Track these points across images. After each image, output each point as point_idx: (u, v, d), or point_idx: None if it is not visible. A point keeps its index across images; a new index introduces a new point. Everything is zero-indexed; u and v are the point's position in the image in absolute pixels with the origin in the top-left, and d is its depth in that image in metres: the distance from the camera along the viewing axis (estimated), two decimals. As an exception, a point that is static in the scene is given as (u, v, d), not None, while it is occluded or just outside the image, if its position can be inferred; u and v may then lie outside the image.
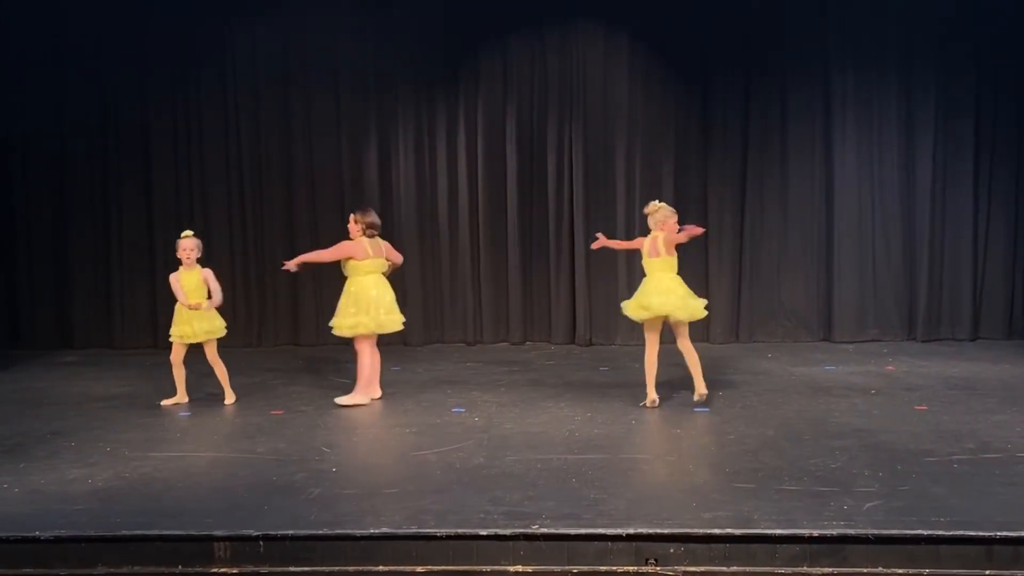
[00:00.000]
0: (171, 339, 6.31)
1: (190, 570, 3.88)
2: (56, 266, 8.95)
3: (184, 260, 6.24)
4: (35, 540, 3.91)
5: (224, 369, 6.40)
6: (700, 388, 6.01)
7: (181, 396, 6.40)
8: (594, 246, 6.50)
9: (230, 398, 6.41)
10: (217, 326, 6.34)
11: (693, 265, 8.77)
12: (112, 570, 3.89)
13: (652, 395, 6.01)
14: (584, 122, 8.65)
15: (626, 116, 8.67)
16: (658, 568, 3.78)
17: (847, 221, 8.66)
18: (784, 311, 8.78)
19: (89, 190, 8.90)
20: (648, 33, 8.60)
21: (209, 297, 6.29)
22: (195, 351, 6.38)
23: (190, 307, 6.20)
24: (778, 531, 3.79)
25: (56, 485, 4.59)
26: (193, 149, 8.89)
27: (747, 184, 8.70)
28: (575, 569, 3.81)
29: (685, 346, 6.00)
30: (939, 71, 8.51)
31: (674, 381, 6.93)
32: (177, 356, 6.32)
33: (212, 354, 6.35)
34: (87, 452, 5.20)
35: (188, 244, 6.25)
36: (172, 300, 6.32)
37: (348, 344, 8.85)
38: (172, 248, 6.48)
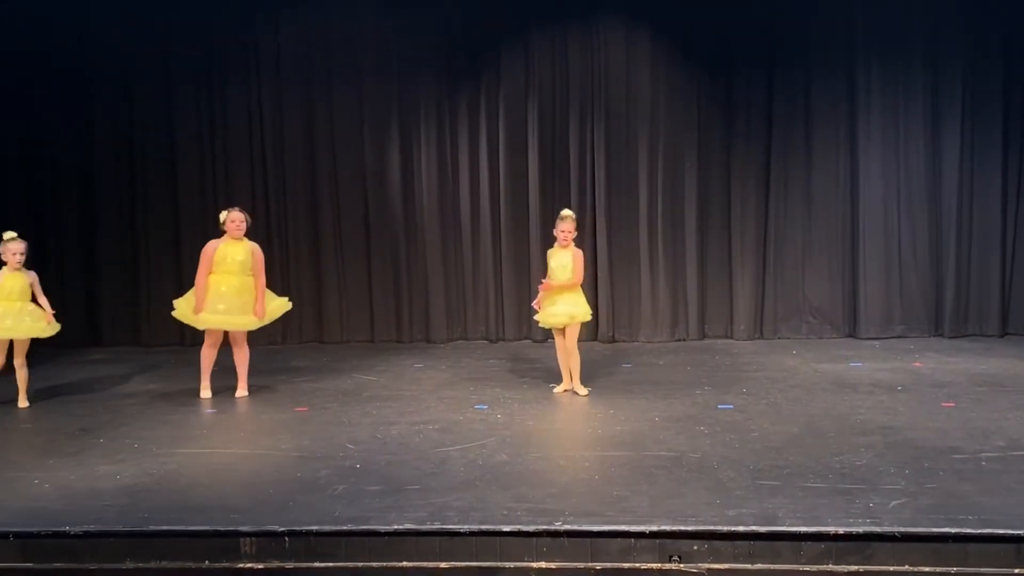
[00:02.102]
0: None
1: (217, 565, 3.92)
2: (84, 265, 9.07)
3: (12, 263, 6.11)
4: (65, 535, 3.97)
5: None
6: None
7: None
8: (535, 304, 6.46)
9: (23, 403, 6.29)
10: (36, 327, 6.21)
11: (716, 261, 8.75)
12: (140, 565, 3.94)
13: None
14: (606, 116, 8.63)
15: (648, 110, 8.64)
16: (681, 565, 3.77)
17: (872, 215, 8.58)
18: (809, 307, 8.71)
19: (116, 191, 9.01)
20: (671, 26, 8.56)
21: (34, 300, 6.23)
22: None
23: None
24: (803, 528, 3.76)
25: (85, 481, 4.65)
26: (217, 145, 8.97)
27: (771, 178, 8.64)
28: (598, 566, 3.81)
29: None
30: (967, 62, 8.40)
31: (696, 380, 6.90)
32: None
33: (22, 359, 6.25)
34: (115, 449, 5.27)
35: (17, 247, 6.13)
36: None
37: (372, 341, 8.97)
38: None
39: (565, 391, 6.39)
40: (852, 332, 8.65)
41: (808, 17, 8.50)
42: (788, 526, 3.78)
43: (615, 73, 8.63)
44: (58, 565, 3.95)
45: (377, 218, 8.93)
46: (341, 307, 9.02)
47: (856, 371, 7.04)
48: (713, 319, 8.79)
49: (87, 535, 3.95)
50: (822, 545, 3.72)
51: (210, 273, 6.33)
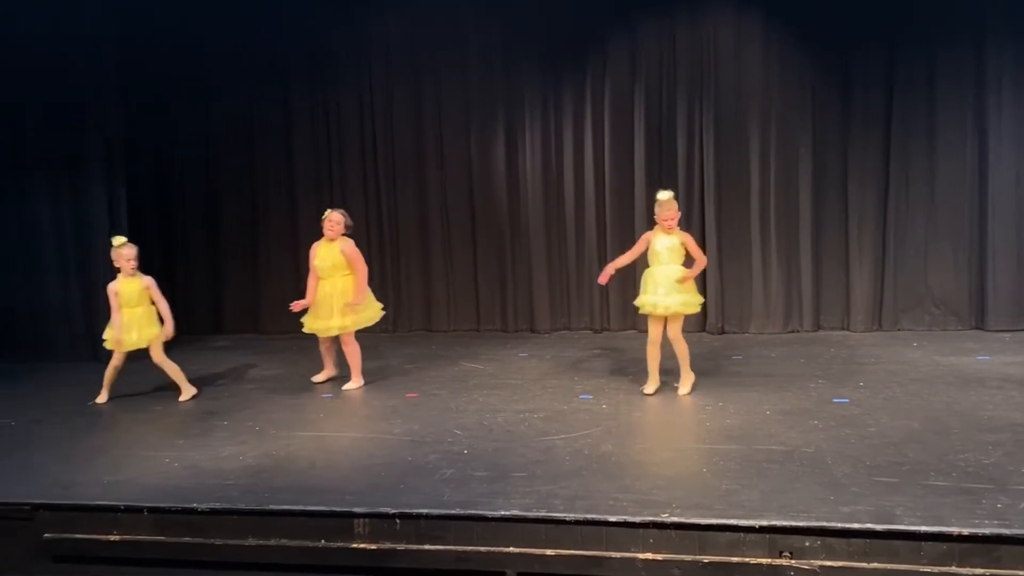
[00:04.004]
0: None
1: (332, 545, 4.08)
2: (209, 259, 9.55)
3: (126, 269, 6.24)
4: (193, 511, 4.21)
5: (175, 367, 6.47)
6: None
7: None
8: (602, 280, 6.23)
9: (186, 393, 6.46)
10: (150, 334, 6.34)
11: (832, 249, 8.44)
12: (261, 542, 4.14)
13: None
14: (715, 102, 8.42)
15: (759, 94, 8.38)
16: (793, 562, 3.68)
17: (1002, 199, 8.07)
18: (932, 297, 8.29)
19: (237, 189, 9.41)
20: (783, 6, 8.28)
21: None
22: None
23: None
24: (923, 528, 3.61)
25: (211, 461, 4.92)
26: (332, 143, 9.25)
27: (891, 162, 8.25)
28: (706, 559, 3.76)
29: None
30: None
31: (810, 373, 6.70)
32: None
33: (159, 356, 6.39)
34: (238, 431, 5.55)
35: (129, 252, 6.26)
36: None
37: (478, 330, 9.10)
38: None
39: (657, 391, 6.07)
40: (979, 324, 8.18)
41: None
42: (907, 525, 3.64)
43: (724, 57, 8.41)
44: (187, 539, 4.20)
45: (483, 209, 9.03)
46: (448, 297, 9.19)
47: (983, 365, 6.67)
48: (828, 310, 8.49)
49: (213, 512, 4.19)
50: (944, 546, 3.57)
51: (312, 274, 6.53)
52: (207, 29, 9.10)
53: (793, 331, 8.43)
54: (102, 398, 6.47)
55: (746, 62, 8.38)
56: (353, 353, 6.64)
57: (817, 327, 8.46)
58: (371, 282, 9.12)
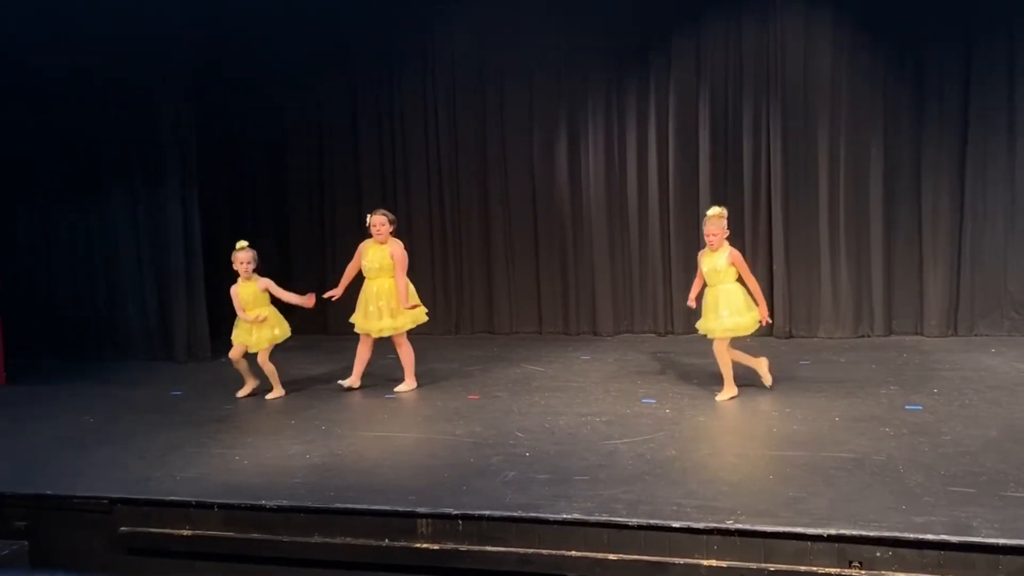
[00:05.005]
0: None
1: (395, 544, 4.13)
2: (278, 263, 9.76)
3: (242, 272, 6.41)
4: (262, 508, 4.31)
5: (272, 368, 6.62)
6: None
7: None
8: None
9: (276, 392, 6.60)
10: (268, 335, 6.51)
11: (904, 252, 8.20)
12: (327, 540, 4.22)
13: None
14: (783, 101, 8.26)
15: (829, 93, 8.18)
16: (863, 572, 3.59)
17: (1090, 200, 7.73)
18: (1011, 301, 7.98)
19: (307, 195, 9.61)
20: (853, 3, 8.07)
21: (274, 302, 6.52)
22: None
23: (250, 320, 6.40)
24: (1002, 541, 3.48)
25: (279, 459, 5.03)
26: (397, 148, 9.37)
27: (967, 160, 7.97)
28: (772, 567, 3.69)
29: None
30: None
31: (881, 378, 6.52)
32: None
33: (263, 357, 6.54)
34: (305, 430, 5.66)
35: (244, 256, 6.42)
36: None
37: (540, 333, 9.10)
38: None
39: (732, 398, 5.96)
40: (1064, 330, 7.86)
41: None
42: (984, 537, 3.51)
43: (792, 56, 8.24)
44: (255, 535, 4.30)
45: (545, 211, 9.03)
46: (510, 299, 9.21)
47: (1068, 372, 6.40)
48: (901, 314, 8.25)
49: (280, 509, 4.28)
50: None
51: (356, 270, 6.62)
52: (277, 36, 9.30)
53: (864, 335, 8.21)
54: (275, 392, 6.63)
55: (815, 61, 8.20)
56: (407, 354, 6.69)
57: (889, 331, 8.22)
58: (434, 284, 9.33)
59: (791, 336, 8.32)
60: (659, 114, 8.66)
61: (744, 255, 8.41)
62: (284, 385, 6.75)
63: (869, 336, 8.21)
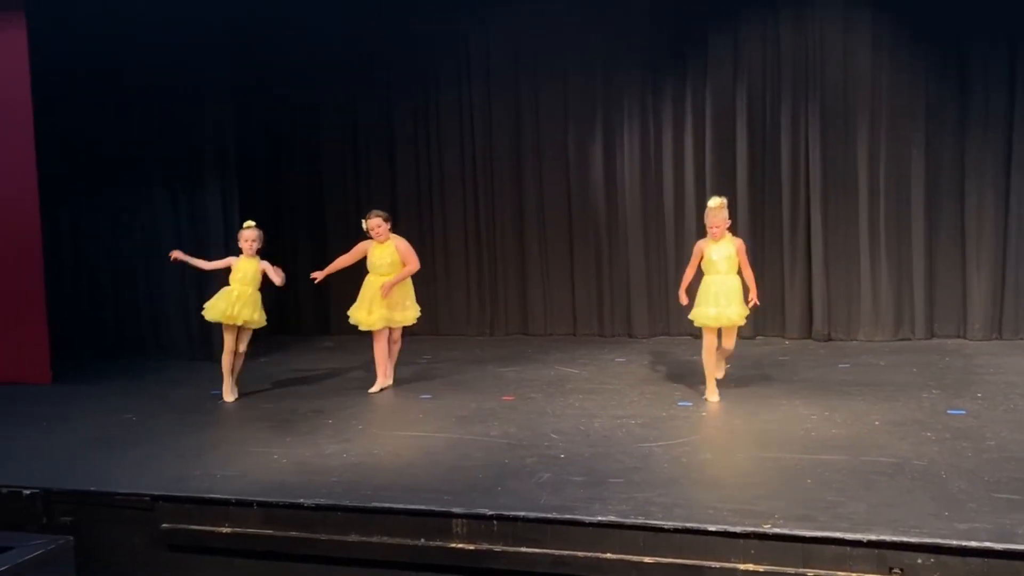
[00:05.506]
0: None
1: (431, 544, 4.15)
2: (316, 263, 9.84)
3: (246, 250, 6.55)
4: (299, 506, 4.36)
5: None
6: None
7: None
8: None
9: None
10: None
11: (947, 254, 8.05)
12: (363, 539, 4.25)
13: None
14: (822, 101, 8.16)
15: (869, 93, 8.07)
16: (904, 579, 3.53)
17: None
18: (1058, 305, 7.81)
19: (343, 194, 9.70)
20: (894, 4, 7.94)
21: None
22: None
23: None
24: (1049, 549, 3.40)
25: (316, 458, 5.09)
26: (432, 149, 9.43)
27: (1012, 161, 7.80)
28: (810, 572, 3.65)
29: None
30: None
31: (922, 382, 6.41)
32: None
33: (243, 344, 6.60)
34: (342, 429, 5.72)
35: (251, 235, 6.55)
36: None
37: (574, 335, 9.09)
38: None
39: (718, 400, 5.93)
40: (1112, 334, 7.66)
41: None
42: (1030, 545, 3.44)
43: (832, 56, 8.14)
44: (293, 533, 4.35)
45: (580, 212, 9.02)
46: (544, 300, 9.21)
47: (1117, 377, 6.24)
48: (943, 317, 8.10)
49: (318, 507, 4.32)
50: (1071, 569, 3.36)
51: (348, 263, 6.77)
52: (315, 38, 9.40)
53: (904, 339, 8.08)
54: (228, 395, 6.66)
55: (854, 62, 8.09)
56: (393, 352, 6.77)
57: (930, 335, 8.08)
58: (468, 284, 9.36)
59: (830, 339, 8.21)
60: (695, 114, 8.60)
61: (782, 256, 8.42)
62: (323, 385, 6.81)
63: (910, 339, 8.08)
